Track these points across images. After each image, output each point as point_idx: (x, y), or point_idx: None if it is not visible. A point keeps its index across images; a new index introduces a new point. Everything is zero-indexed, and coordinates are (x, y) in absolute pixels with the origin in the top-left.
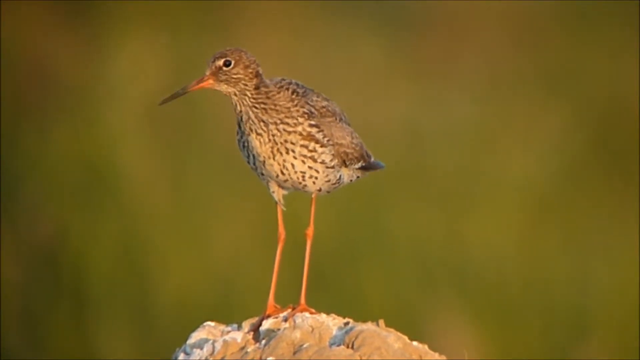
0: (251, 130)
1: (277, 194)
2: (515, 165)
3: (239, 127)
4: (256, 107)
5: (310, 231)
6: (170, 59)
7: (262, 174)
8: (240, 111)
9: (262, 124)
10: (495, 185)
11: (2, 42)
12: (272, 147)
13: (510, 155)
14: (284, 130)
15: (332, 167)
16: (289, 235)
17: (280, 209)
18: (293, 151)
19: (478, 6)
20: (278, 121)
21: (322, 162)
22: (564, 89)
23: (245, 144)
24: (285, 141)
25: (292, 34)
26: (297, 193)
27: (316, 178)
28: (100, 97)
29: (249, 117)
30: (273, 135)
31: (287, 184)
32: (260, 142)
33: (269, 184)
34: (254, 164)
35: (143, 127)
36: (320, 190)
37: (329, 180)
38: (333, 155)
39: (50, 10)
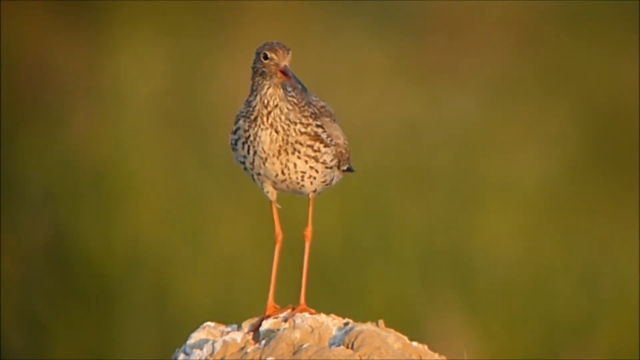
0: (271, 125)
1: (272, 194)
2: (517, 166)
3: (244, 122)
4: (289, 105)
5: (308, 232)
6: (171, 58)
7: (259, 174)
8: (275, 105)
9: (287, 121)
10: (496, 185)
11: (3, 42)
12: (280, 147)
13: (511, 156)
14: (299, 130)
15: (331, 168)
16: (288, 235)
17: (275, 209)
18: (299, 151)
19: (479, 7)
20: (297, 121)
21: (323, 162)
22: (565, 89)
23: (250, 141)
24: (296, 142)
25: (292, 35)
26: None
27: (314, 178)
28: (101, 97)
29: (277, 114)
30: (287, 135)
31: (284, 185)
32: (271, 140)
33: (264, 184)
34: (252, 162)
35: (144, 127)
36: (315, 191)
37: (324, 181)
38: (334, 155)
39: (51, 11)
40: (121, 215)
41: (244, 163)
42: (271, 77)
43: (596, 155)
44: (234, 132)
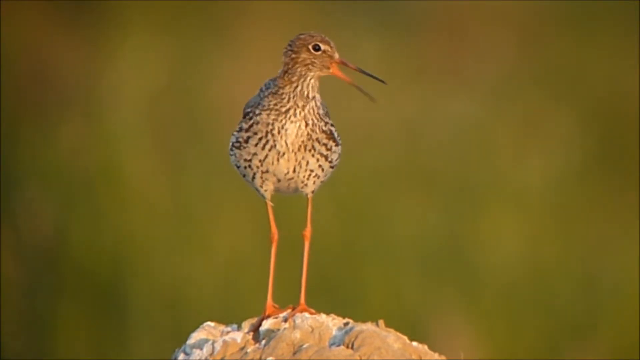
0: (304, 118)
1: (269, 193)
2: (518, 167)
3: (268, 115)
4: (320, 100)
5: (307, 232)
6: (171, 59)
7: (266, 171)
8: (313, 97)
9: (318, 116)
10: (497, 186)
11: (3, 42)
12: (302, 142)
13: (512, 156)
14: (321, 128)
15: (333, 167)
16: (288, 235)
17: (270, 208)
18: (315, 149)
19: (480, 7)
20: (321, 118)
21: (330, 161)
22: (566, 90)
23: (272, 134)
24: (317, 139)
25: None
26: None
27: (317, 177)
28: (101, 97)
29: (312, 106)
30: (312, 131)
31: (287, 184)
32: (297, 133)
33: (265, 182)
34: (262, 160)
35: (143, 127)
36: (313, 191)
37: (322, 181)
38: (339, 155)
39: (51, 11)
40: (121, 216)
41: (249, 161)
42: (321, 68)
43: (598, 155)
44: (246, 130)
